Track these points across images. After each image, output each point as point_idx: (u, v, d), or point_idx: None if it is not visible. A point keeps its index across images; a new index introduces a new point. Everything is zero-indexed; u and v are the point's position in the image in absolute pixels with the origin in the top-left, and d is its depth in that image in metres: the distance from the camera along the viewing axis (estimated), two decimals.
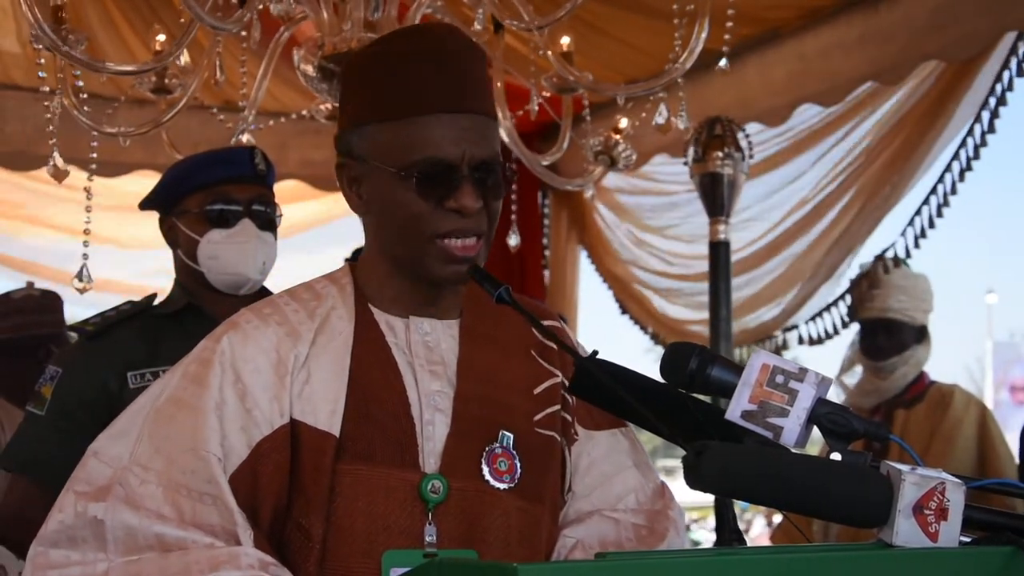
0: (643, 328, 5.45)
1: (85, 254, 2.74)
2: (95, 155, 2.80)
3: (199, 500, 1.59)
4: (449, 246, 1.69)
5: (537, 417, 1.78)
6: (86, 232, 2.76)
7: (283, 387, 1.66)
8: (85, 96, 2.80)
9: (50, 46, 2.45)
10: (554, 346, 1.83)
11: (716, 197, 3.84)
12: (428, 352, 1.75)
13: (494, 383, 1.77)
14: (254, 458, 1.63)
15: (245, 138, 3.04)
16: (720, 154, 3.80)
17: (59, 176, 2.63)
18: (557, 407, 1.81)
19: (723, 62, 2.82)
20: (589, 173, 3.10)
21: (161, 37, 2.93)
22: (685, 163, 3.91)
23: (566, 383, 1.83)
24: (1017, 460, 3.67)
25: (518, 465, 1.73)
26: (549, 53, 2.90)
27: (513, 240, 3.21)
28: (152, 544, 1.57)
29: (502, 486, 1.71)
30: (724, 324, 3.89)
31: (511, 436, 1.74)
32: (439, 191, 1.67)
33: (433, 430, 1.70)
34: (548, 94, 3.02)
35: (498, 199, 1.73)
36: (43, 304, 3.95)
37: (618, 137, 2.95)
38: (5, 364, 3.88)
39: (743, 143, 3.86)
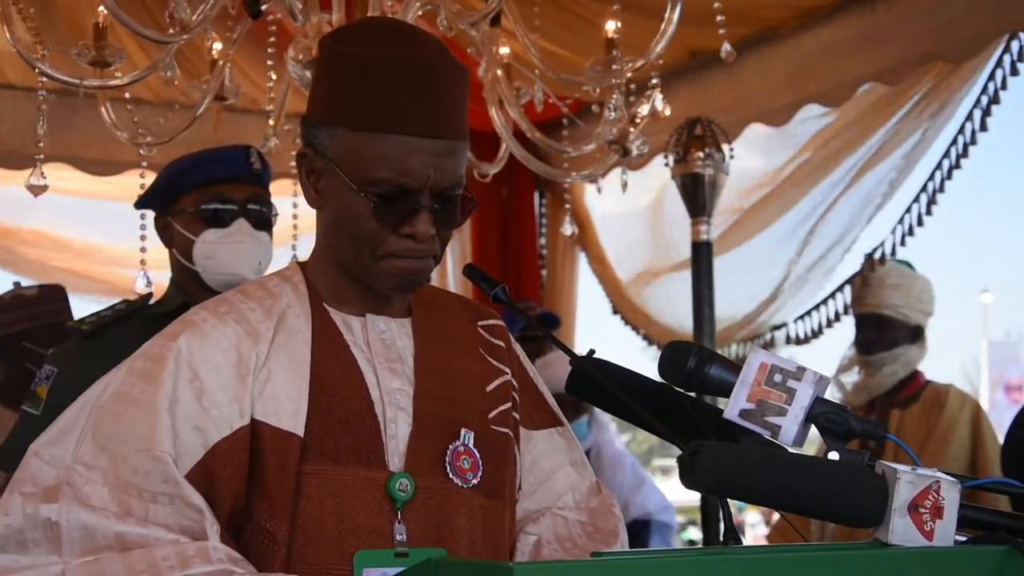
0: (635, 329, 5.45)
1: (143, 260, 2.77)
2: (144, 160, 2.81)
3: (153, 500, 1.55)
4: (396, 264, 1.69)
5: (491, 415, 1.78)
6: (142, 239, 2.80)
7: (244, 387, 1.63)
8: (131, 107, 2.81)
9: (31, 62, 2.46)
10: (502, 344, 1.85)
11: (697, 197, 3.84)
12: (386, 350, 1.74)
13: (450, 381, 1.76)
14: (210, 459, 1.60)
15: (272, 143, 3.05)
16: (701, 155, 3.81)
17: (36, 191, 2.62)
18: (509, 405, 1.82)
19: (725, 47, 2.79)
20: (599, 164, 3.03)
21: (218, 46, 2.95)
22: (666, 164, 3.90)
23: (513, 382, 1.84)
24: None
25: (480, 463, 1.73)
26: (530, 47, 2.86)
27: (568, 230, 3.17)
28: (111, 544, 1.53)
29: (465, 484, 1.71)
30: (707, 324, 3.89)
31: (472, 434, 1.74)
32: (395, 215, 1.66)
33: (396, 428, 1.69)
34: (587, 89, 2.95)
35: (453, 227, 1.73)
36: (9, 305, 3.95)
37: (632, 130, 2.91)
38: None
39: (724, 146, 3.86)
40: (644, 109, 2.89)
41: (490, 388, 1.80)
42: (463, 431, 1.73)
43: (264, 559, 1.61)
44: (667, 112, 2.89)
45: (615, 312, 5.53)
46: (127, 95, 2.85)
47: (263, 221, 2.74)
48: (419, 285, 1.75)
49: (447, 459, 1.71)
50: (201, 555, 1.51)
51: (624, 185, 3.14)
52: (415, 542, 1.66)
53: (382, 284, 1.71)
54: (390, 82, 1.65)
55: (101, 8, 2.60)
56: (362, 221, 1.67)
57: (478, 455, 1.73)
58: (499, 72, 2.96)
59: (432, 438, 1.71)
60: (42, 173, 2.63)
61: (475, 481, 1.72)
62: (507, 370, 1.83)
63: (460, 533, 1.69)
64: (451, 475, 1.71)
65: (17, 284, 4.11)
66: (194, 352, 1.64)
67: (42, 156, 2.62)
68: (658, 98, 2.84)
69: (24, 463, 1.63)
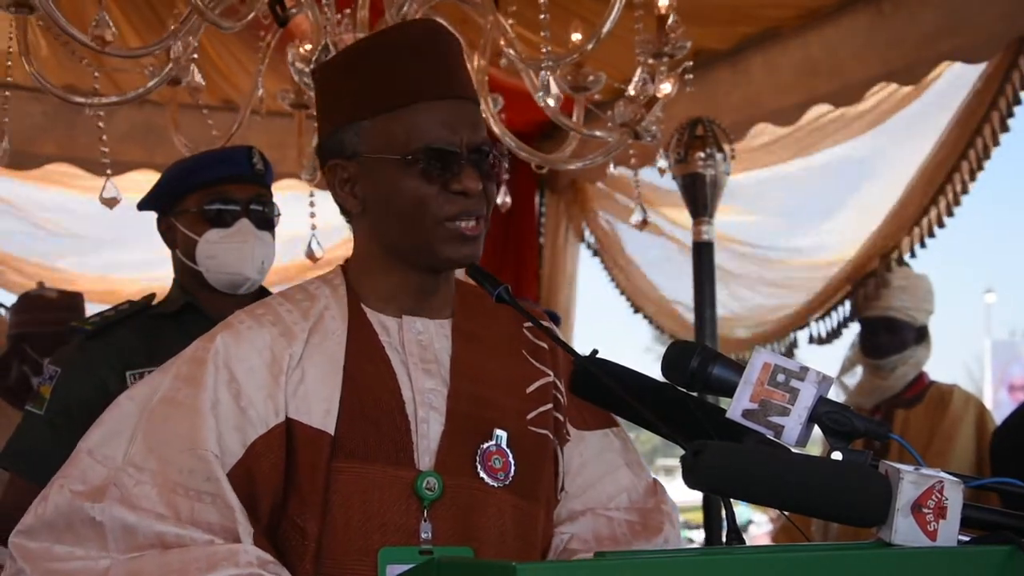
0: (656, 326, 5.45)
1: None
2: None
3: (197, 499, 1.60)
4: (458, 227, 1.71)
5: (530, 416, 1.79)
6: None
7: (277, 386, 1.67)
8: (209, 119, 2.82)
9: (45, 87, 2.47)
10: (545, 345, 1.85)
11: (698, 198, 3.84)
12: (422, 351, 1.76)
13: (487, 382, 1.77)
14: (249, 457, 1.64)
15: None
16: (702, 155, 3.81)
17: (110, 204, 2.64)
18: (549, 406, 1.82)
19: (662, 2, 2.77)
20: (608, 147, 2.96)
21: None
22: (668, 164, 3.90)
23: (558, 383, 1.84)
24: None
25: (512, 463, 1.74)
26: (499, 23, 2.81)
27: (639, 216, 3.11)
28: (153, 542, 1.57)
29: (496, 483, 1.72)
30: (709, 324, 3.88)
31: (504, 434, 1.75)
32: (444, 175, 1.70)
33: (428, 428, 1.71)
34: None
35: (494, 182, 1.76)
36: (24, 305, 3.96)
37: (647, 113, 2.87)
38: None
39: (725, 145, 3.85)
40: (665, 87, 2.85)
41: (530, 390, 1.81)
42: (496, 431, 1.74)
43: (295, 554, 1.65)
44: (665, 90, 2.86)
45: (636, 311, 5.53)
46: (204, 110, 2.87)
47: (266, 221, 2.74)
48: (477, 253, 1.75)
49: (478, 458, 1.72)
50: (230, 558, 1.55)
51: (662, 171, 3.11)
52: (441, 541, 1.67)
53: (444, 252, 1.72)
54: (393, 60, 1.71)
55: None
56: (415, 191, 1.70)
57: (511, 455, 1.74)
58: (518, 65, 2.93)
59: (464, 438, 1.72)
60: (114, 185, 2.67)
61: (507, 481, 1.73)
62: (549, 372, 1.84)
63: (489, 532, 1.70)
64: (482, 474, 1.72)
65: (41, 284, 4.13)
66: (230, 353, 1.68)
67: (110, 172, 2.64)
68: (638, 72, 2.81)
69: (75, 460, 1.67)
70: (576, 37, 2.87)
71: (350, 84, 1.74)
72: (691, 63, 2.89)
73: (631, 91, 2.86)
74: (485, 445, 1.73)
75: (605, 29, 2.71)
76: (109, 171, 2.65)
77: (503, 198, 3.16)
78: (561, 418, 1.83)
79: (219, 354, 1.68)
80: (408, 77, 1.70)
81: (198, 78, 2.85)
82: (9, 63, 2.49)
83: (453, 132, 1.70)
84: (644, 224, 3.10)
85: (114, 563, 1.57)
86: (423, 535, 1.67)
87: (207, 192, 2.69)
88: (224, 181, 2.69)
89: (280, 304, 1.76)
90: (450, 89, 1.71)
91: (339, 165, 1.75)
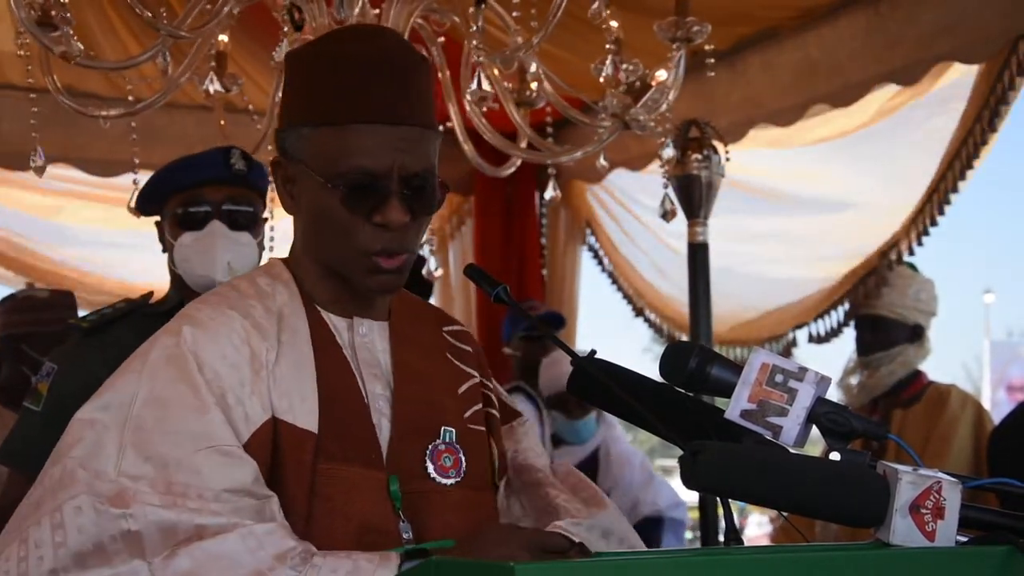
0: (655, 328, 5.45)
1: None
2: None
3: (216, 499, 1.52)
4: (376, 260, 1.69)
5: (467, 414, 1.80)
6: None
7: (260, 381, 1.64)
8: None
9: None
10: (469, 348, 1.87)
11: (693, 199, 3.85)
12: (368, 354, 1.75)
13: (426, 384, 1.78)
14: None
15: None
16: (697, 157, 3.81)
17: (135, 214, 2.66)
18: (480, 405, 1.84)
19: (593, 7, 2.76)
20: (599, 138, 2.95)
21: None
22: (661, 165, 3.90)
23: (485, 382, 1.86)
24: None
25: (463, 459, 1.75)
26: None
27: (661, 210, 3.12)
28: (192, 536, 1.50)
29: (449, 481, 1.73)
30: (704, 325, 3.88)
31: (453, 431, 1.76)
32: (366, 204, 1.66)
33: (381, 432, 1.71)
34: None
35: (428, 213, 1.73)
36: (17, 306, 3.96)
37: (635, 105, 2.85)
38: None
39: (720, 148, 3.86)
40: (661, 74, 2.83)
41: (461, 390, 1.82)
42: (443, 429, 1.75)
43: None
44: (660, 77, 2.85)
45: (637, 315, 5.53)
46: (250, 107, 2.87)
47: (242, 221, 2.72)
48: (400, 283, 1.75)
49: (428, 459, 1.72)
50: (293, 549, 1.50)
51: (666, 162, 3.10)
52: (414, 540, 1.65)
53: (362, 282, 1.71)
54: (349, 74, 1.67)
55: (223, 37, 2.60)
56: (335, 215, 1.67)
57: (461, 451, 1.75)
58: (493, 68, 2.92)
59: (412, 440, 1.73)
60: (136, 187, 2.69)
61: (459, 477, 1.74)
62: (475, 373, 1.86)
63: (444, 531, 1.68)
64: (433, 474, 1.72)
65: (30, 285, 4.12)
66: (202, 348, 1.63)
67: (136, 181, 2.62)
68: (608, 61, 2.80)
69: (73, 478, 1.57)
70: (614, 24, 2.83)
71: (302, 85, 1.72)
72: (712, 47, 2.87)
73: (601, 79, 2.85)
74: (434, 444, 1.73)
75: (555, 19, 2.68)
76: (136, 180, 2.64)
77: (552, 192, 3.16)
78: (496, 414, 1.86)
79: (189, 347, 1.63)
80: (352, 95, 1.66)
81: (215, 87, 2.85)
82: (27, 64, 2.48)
83: (386, 158, 1.65)
84: (671, 215, 3.11)
85: (153, 567, 1.48)
86: (404, 535, 1.66)
87: (184, 196, 2.69)
88: (199, 184, 2.69)
89: (241, 298, 1.72)
90: (395, 114, 1.66)
91: (282, 163, 1.74)
